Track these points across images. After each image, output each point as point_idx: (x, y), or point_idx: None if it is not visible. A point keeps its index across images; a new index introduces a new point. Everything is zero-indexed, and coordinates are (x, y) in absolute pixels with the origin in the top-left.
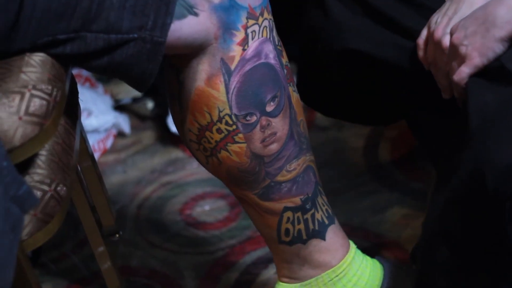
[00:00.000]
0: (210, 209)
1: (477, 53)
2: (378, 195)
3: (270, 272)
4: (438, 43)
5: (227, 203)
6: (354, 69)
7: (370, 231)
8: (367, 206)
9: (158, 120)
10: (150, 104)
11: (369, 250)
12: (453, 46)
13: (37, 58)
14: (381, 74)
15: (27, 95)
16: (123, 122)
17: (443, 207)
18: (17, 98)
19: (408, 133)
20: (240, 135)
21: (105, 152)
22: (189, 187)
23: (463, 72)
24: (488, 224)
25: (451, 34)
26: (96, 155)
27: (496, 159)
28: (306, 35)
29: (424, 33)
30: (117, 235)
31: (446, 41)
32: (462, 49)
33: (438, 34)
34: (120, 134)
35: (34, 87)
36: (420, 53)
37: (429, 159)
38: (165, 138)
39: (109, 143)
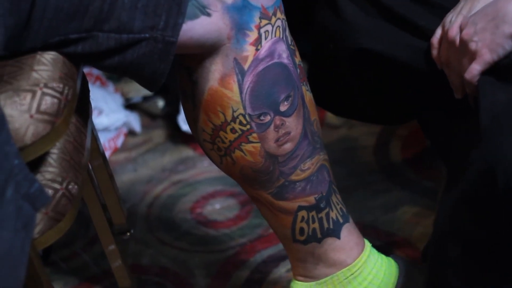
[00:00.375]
0: (221, 208)
1: (487, 50)
2: (389, 193)
3: (281, 270)
4: (452, 42)
5: (238, 202)
6: (366, 68)
7: (381, 229)
8: (378, 204)
9: (168, 118)
10: (160, 103)
11: (380, 248)
12: (463, 42)
13: (49, 56)
14: (393, 74)
15: (39, 93)
16: (134, 120)
17: (454, 205)
18: (28, 96)
19: (419, 131)
20: (254, 135)
21: (116, 151)
22: (200, 186)
23: (474, 70)
24: (499, 222)
25: (461, 30)
26: (107, 154)
27: (507, 157)
28: (318, 35)
29: (438, 32)
30: (128, 234)
31: None
32: (472, 45)
33: (452, 33)
34: (131, 133)
35: (46, 85)
36: (434, 52)
37: (441, 158)
38: (176, 137)
39: (119, 141)
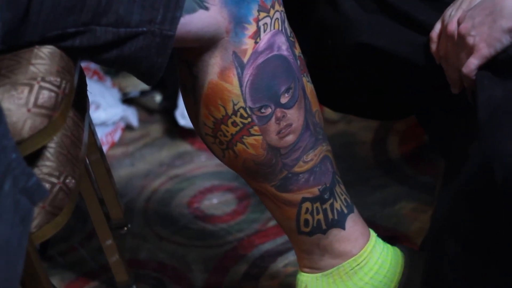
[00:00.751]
0: (218, 202)
1: (484, 44)
2: (387, 189)
3: (279, 265)
4: (451, 37)
5: (235, 197)
6: (365, 64)
7: (379, 224)
8: (376, 199)
9: (166, 113)
10: (158, 98)
11: None
12: (461, 36)
13: (46, 50)
14: (392, 69)
15: (36, 87)
16: (131, 115)
17: (452, 200)
18: (26, 90)
19: (416, 127)
20: (256, 128)
21: (113, 145)
22: (197, 180)
23: (472, 64)
24: (498, 217)
25: (458, 23)
26: (104, 148)
27: (505, 152)
28: (316, 31)
29: (437, 26)
30: (125, 228)
31: None
32: (470, 40)
33: (451, 27)
34: (128, 127)
35: (43, 79)
36: (433, 46)
37: (439, 153)
38: (173, 132)
39: (117, 136)
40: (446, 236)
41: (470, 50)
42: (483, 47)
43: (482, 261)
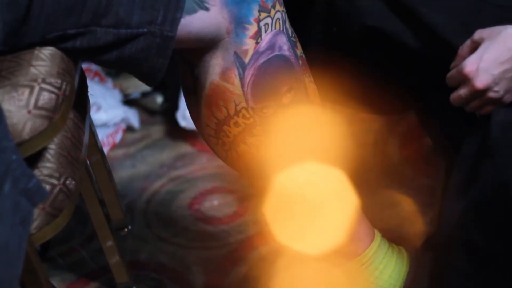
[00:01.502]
0: (219, 204)
1: (510, 95)
2: (386, 190)
3: (279, 266)
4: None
5: (236, 198)
6: (370, 49)
7: (378, 227)
8: (376, 201)
9: (167, 114)
10: (159, 99)
11: None
12: (479, 91)
13: (47, 52)
14: (396, 55)
15: (37, 88)
16: (132, 116)
17: (463, 215)
18: (26, 91)
19: (416, 129)
20: (258, 128)
21: (114, 147)
22: (198, 182)
23: (490, 109)
24: None
25: (469, 77)
26: (105, 150)
27: None
28: (320, 20)
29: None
30: (126, 230)
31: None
32: (493, 94)
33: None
34: (129, 129)
35: (44, 81)
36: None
37: (441, 154)
38: (174, 133)
39: (118, 137)
40: (455, 250)
41: (494, 103)
42: (509, 98)
43: (493, 277)
